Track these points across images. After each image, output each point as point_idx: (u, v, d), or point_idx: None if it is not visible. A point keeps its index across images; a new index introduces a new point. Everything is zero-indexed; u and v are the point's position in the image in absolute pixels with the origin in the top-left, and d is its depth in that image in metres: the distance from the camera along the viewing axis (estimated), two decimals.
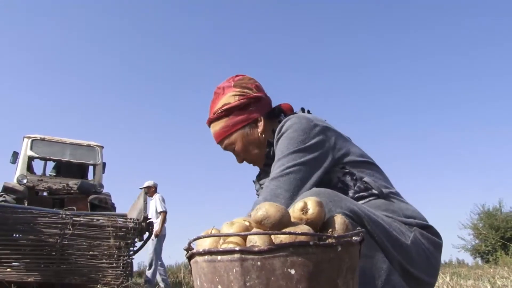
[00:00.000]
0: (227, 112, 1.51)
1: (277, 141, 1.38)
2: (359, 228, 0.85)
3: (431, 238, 1.30)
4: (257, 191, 1.66)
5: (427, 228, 1.32)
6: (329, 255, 0.75)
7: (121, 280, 4.88)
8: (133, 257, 5.25)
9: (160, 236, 7.36)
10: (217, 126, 1.53)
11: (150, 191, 7.70)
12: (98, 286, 4.71)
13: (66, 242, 4.80)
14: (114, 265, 4.96)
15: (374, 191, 1.31)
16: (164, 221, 7.44)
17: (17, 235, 4.86)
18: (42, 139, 8.31)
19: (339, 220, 0.83)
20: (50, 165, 8.80)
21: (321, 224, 0.83)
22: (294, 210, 0.81)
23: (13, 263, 4.69)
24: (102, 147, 8.85)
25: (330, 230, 0.81)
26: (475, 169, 45.21)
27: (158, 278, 7.34)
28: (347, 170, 1.34)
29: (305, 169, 1.29)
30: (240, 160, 1.57)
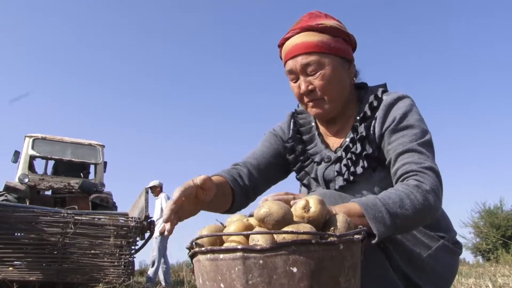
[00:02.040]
0: (336, 32, 1.24)
1: (397, 121, 1.19)
2: (360, 226, 0.85)
3: (452, 251, 1.24)
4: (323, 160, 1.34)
5: (455, 244, 1.26)
6: (331, 253, 0.75)
7: (122, 279, 4.89)
8: (135, 255, 5.25)
9: (164, 235, 7.38)
10: (314, 37, 1.22)
11: (156, 190, 7.72)
12: (100, 285, 4.72)
13: (67, 241, 4.81)
14: (116, 264, 4.97)
15: None
16: None
17: (19, 234, 4.87)
18: (44, 138, 8.32)
19: (340, 219, 0.83)
20: (52, 164, 8.81)
21: (323, 223, 0.83)
22: (296, 209, 0.82)
23: (15, 262, 4.70)
24: (103, 146, 8.86)
25: (332, 228, 0.81)
26: (476, 167, 45.21)
27: (161, 276, 7.35)
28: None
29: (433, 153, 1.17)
30: (309, 88, 1.24)
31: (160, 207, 7.56)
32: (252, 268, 0.73)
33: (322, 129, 1.39)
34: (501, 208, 22.94)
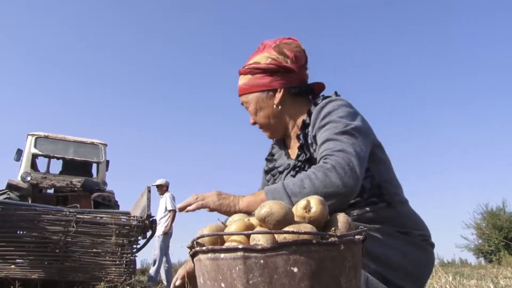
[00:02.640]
0: (254, 71, 1.49)
1: (320, 116, 1.34)
2: (361, 227, 0.85)
3: (423, 247, 1.33)
4: (269, 172, 1.60)
5: (425, 240, 1.35)
6: (331, 253, 0.75)
7: (124, 277, 4.89)
8: (136, 254, 5.26)
9: (167, 234, 7.37)
10: (242, 80, 1.53)
11: (162, 189, 7.73)
12: (102, 283, 4.73)
13: (69, 239, 4.81)
14: (118, 262, 4.98)
15: (386, 199, 1.32)
16: (173, 219, 7.45)
17: (21, 232, 4.89)
18: (46, 137, 8.33)
19: (341, 219, 0.83)
20: (54, 162, 8.83)
21: (324, 223, 0.84)
22: (297, 209, 0.82)
23: (17, 260, 4.71)
24: (105, 145, 8.87)
25: (333, 228, 0.81)
26: (479, 168, 45.07)
27: (162, 275, 7.36)
28: (370, 172, 1.32)
29: (364, 142, 1.26)
30: (252, 121, 1.56)
31: (164, 206, 7.55)
32: (253, 267, 0.73)
33: (287, 143, 1.59)
34: (503, 209, 22.86)
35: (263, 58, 1.48)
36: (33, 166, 8.15)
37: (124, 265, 4.99)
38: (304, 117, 1.46)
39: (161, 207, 7.63)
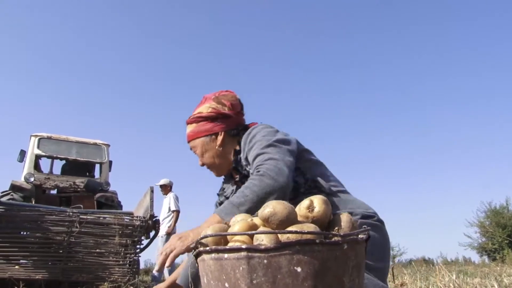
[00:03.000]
0: (198, 119, 1.76)
1: (249, 142, 1.56)
2: (365, 226, 0.85)
3: (374, 224, 1.43)
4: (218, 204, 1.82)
5: (371, 217, 1.46)
6: (335, 253, 0.75)
7: (127, 277, 4.90)
8: (140, 255, 5.26)
9: (170, 235, 7.34)
10: (189, 128, 1.79)
11: (166, 189, 7.71)
12: (105, 283, 4.74)
13: (73, 240, 4.82)
14: (121, 263, 4.98)
15: (323, 190, 1.49)
16: (176, 220, 7.43)
17: (25, 233, 4.90)
18: (49, 138, 8.35)
19: (345, 218, 0.83)
20: (57, 163, 8.85)
21: (327, 222, 0.84)
22: (301, 208, 0.82)
23: (21, 261, 4.72)
24: (108, 145, 8.88)
25: (336, 228, 0.81)
26: (482, 166, 44.93)
27: (166, 275, 7.35)
28: (301, 170, 1.53)
29: (287, 148, 1.48)
30: (200, 163, 1.80)
31: (168, 206, 7.52)
32: (256, 267, 0.73)
33: (234, 175, 1.79)
34: (507, 207, 22.81)
35: (205, 108, 1.76)
36: (36, 167, 8.16)
37: (127, 265, 5.00)
38: (237, 147, 1.72)
39: (164, 207, 7.61)
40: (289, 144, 1.52)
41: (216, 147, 1.74)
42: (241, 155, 1.64)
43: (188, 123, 1.80)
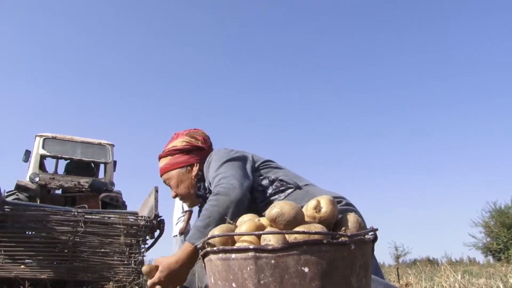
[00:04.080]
0: (173, 152, 1.85)
1: (208, 167, 1.68)
2: (371, 226, 0.85)
3: (344, 210, 1.47)
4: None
5: (339, 203, 1.52)
6: (342, 253, 0.75)
7: (132, 277, 4.91)
8: (145, 254, 5.27)
9: (185, 233, 7.22)
10: (163, 162, 1.87)
11: None
12: (110, 283, 4.75)
13: (78, 239, 4.84)
14: (126, 262, 4.99)
15: (290, 185, 1.59)
16: (189, 220, 7.28)
17: (30, 233, 4.92)
18: (54, 138, 8.38)
19: (352, 219, 0.83)
20: (62, 163, 8.88)
21: (334, 223, 0.84)
22: (308, 209, 0.82)
23: (26, 261, 4.74)
24: (112, 145, 8.91)
25: (343, 228, 0.81)
26: (487, 166, 44.72)
27: None
28: (264, 176, 1.65)
29: (238, 163, 1.61)
30: (173, 195, 1.87)
31: (181, 205, 7.25)
32: (264, 267, 0.73)
33: None
34: None
35: (179, 143, 1.86)
36: (41, 167, 8.20)
37: (132, 265, 5.01)
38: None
39: (177, 206, 7.36)
40: (241, 159, 1.66)
41: (192, 177, 1.82)
42: (206, 181, 1.74)
43: (161, 157, 1.88)
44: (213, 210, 1.39)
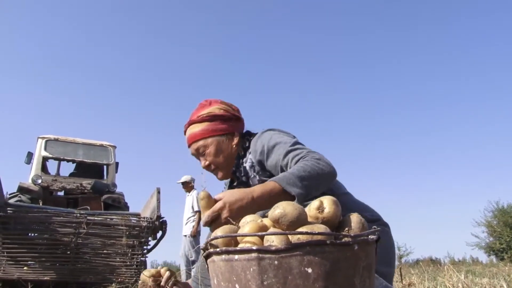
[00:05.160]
0: (212, 118, 1.67)
1: (265, 145, 1.50)
2: (375, 227, 0.85)
3: (382, 231, 1.39)
4: None
5: (377, 221, 1.45)
6: (345, 253, 0.75)
7: (135, 278, 4.92)
8: (147, 255, 5.28)
9: (197, 235, 7.08)
10: (197, 128, 1.67)
11: (188, 186, 7.43)
12: (113, 284, 4.75)
13: (80, 241, 4.85)
14: (128, 263, 5.01)
15: (326, 191, 1.43)
16: (199, 221, 7.16)
17: (33, 235, 4.93)
18: (56, 140, 8.40)
19: (355, 219, 0.83)
20: (64, 165, 8.90)
21: (337, 223, 0.83)
22: (311, 209, 0.82)
23: (29, 262, 4.76)
24: (114, 147, 8.92)
25: (346, 229, 0.81)
26: (490, 165, 44.63)
27: (184, 274, 7.22)
28: None
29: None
30: (206, 164, 1.68)
31: (191, 205, 7.26)
32: (267, 268, 0.73)
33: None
34: None
35: (216, 109, 1.69)
36: (44, 168, 8.22)
37: (135, 266, 5.02)
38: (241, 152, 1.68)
39: (187, 205, 7.35)
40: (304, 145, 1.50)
41: (233, 147, 1.67)
42: (251, 157, 1.59)
43: (194, 123, 1.69)
44: (314, 169, 1.24)
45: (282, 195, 1.17)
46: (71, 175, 8.70)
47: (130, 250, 5.03)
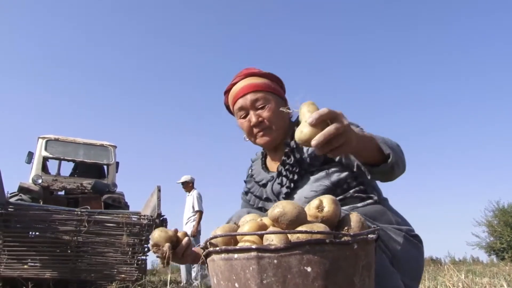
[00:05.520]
0: (273, 77, 1.52)
1: None
2: (374, 226, 0.85)
3: (416, 244, 1.34)
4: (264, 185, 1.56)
5: (414, 237, 1.36)
6: (345, 252, 0.75)
7: (135, 277, 4.93)
8: (147, 254, 5.28)
9: (197, 235, 7.11)
10: (259, 80, 1.48)
11: (188, 186, 7.43)
12: (113, 283, 4.76)
13: (81, 239, 4.86)
14: (129, 262, 5.01)
15: (371, 196, 1.36)
16: (199, 220, 7.16)
17: (33, 233, 4.94)
18: (56, 139, 8.40)
19: (354, 218, 0.83)
20: (65, 164, 8.90)
21: (337, 222, 0.83)
22: (310, 208, 0.82)
23: (30, 260, 4.77)
24: (115, 146, 8.92)
25: (346, 228, 0.81)
26: (490, 165, 44.59)
27: (184, 273, 7.21)
28: (355, 174, 1.37)
29: None
30: (259, 120, 1.45)
31: (191, 204, 7.25)
32: (266, 267, 0.73)
33: (268, 159, 1.63)
34: None
35: (273, 75, 1.53)
36: (44, 168, 8.22)
37: (135, 264, 5.02)
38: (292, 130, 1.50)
39: (187, 205, 7.34)
40: None
41: (289, 114, 1.51)
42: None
43: (255, 75, 1.50)
44: (397, 147, 1.16)
45: (375, 151, 1.09)
46: (71, 175, 8.71)
47: (130, 248, 5.03)
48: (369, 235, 0.80)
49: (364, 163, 1.16)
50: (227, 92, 1.55)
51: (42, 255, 4.75)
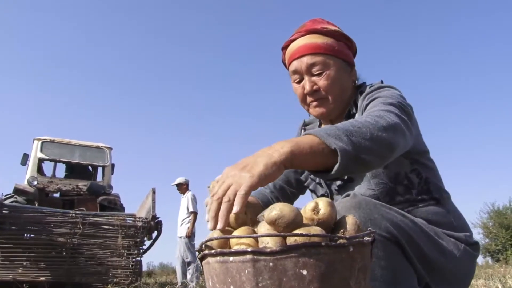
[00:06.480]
0: (339, 36, 1.28)
1: (368, 99, 1.19)
2: (370, 229, 0.85)
3: (473, 256, 1.22)
4: None
5: (473, 245, 1.23)
6: (341, 255, 0.75)
7: (130, 279, 4.92)
8: (142, 256, 5.28)
9: (192, 236, 7.14)
10: (320, 39, 1.25)
11: (182, 188, 7.43)
12: (108, 286, 4.75)
13: (76, 242, 4.85)
14: (124, 264, 5.01)
15: (435, 195, 1.22)
16: (194, 222, 7.16)
17: (28, 235, 4.92)
18: (52, 141, 8.39)
19: (350, 221, 0.82)
20: (60, 166, 8.88)
21: (332, 225, 0.83)
22: (306, 211, 0.82)
23: (25, 263, 4.74)
24: (110, 148, 8.91)
25: (341, 230, 0.81)
26: (486, 166, 44.84)
27: (180, 275, 7.19)
28: (415, 167, 1.23)
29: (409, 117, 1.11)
30: (314, 88, 1.25)
31: (186, 206, 7.25)
32: (262, 270, 0.72)
33: None
34: (510, 208, 22.72)
35: (339, 31, 1.29)
36: (39, 170, 8.20)
37: (130, 266, 5.01)
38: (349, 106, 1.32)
39: (182, 207, 7.35)
40: (414, 120, 1.19)
41: (352, 82, 1.32)
42: (357, 115, 1.26)
43: (318, 32, 1.26)
44: (367, 126, 0.94)
45: (323, 152, 0.89)
46: (65, 177, 8.69)
47: (125, 250, 5.03)
48: (365, 238, 0.80)
49: (315, 172, 0.95)
50: (284, 49, 1.35)
51: (37, 258, 4.74)
